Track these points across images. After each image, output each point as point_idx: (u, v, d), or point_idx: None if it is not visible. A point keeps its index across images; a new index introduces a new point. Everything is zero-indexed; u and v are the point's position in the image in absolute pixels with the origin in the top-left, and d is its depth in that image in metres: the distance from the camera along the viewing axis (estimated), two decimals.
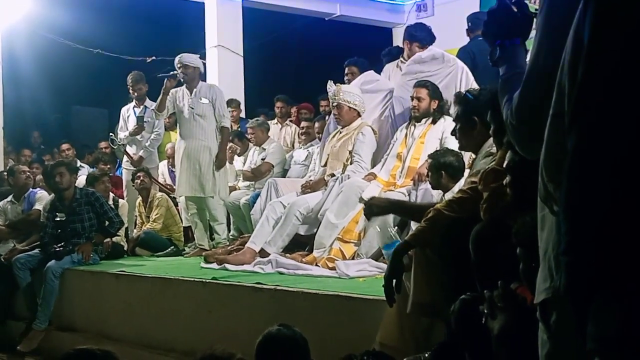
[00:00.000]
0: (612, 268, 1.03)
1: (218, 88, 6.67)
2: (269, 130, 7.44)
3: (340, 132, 5.71)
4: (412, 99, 5.21)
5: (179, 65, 6.43)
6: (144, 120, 7.37)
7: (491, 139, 3.16)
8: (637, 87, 1.04)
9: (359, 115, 5.66)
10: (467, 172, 3.79)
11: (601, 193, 1.06)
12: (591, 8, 1.12)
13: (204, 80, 6.56)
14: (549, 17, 1.39)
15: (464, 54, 5.92)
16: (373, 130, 5.63)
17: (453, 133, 3.46)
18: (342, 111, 5.63)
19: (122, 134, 7.53)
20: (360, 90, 5.74)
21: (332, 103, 5.75)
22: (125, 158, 7.55)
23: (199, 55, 6.83)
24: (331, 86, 5.70)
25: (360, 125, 5.61)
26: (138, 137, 7.43)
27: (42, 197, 6.60)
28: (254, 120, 7.36)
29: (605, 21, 1.09)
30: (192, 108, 6.37)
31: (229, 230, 6.66)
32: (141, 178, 6.95)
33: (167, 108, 6.52)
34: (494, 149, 3.11)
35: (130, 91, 7.46)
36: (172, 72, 6.46)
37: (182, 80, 6.43)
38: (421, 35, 5.93)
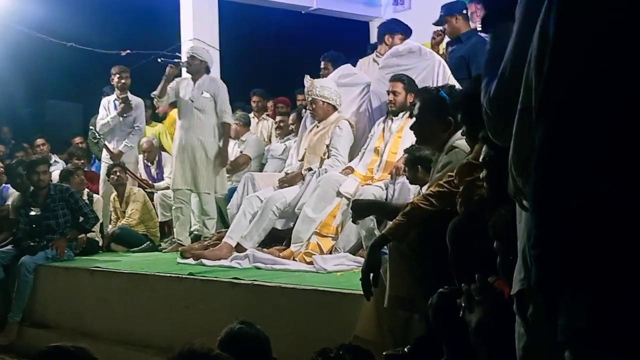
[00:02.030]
0: (580, 261, 1.04)
1: (222, 83, 6.51)
2: (249, 124, 7.40)
3: (318, 126, 5.69)
4: (389, 93, 5.21)
5: (187, 54, 6.43)
6: (124, 115, 7.27)
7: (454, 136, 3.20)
8: (601, 81, 1.05)
9: (334, 109, 5.65)
10: None
11: (567, 186, 1.06)
12: (555, 3, 1.12)
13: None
14: (528, 8, 1.39)
15: (474, 49, 5.42)
16: (350, 124, 5.62)
17: (412, 128, 3.45)
18: (316, 106, 5.62)
19: (102, 122, 7.39)
20: (335, 84, 5.74)
21: (307, 98, 5.74)
22: (104, 152, 7.43)
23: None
24: (307, 81, 5.69)
25: (337, 119, 5.60)
26: (118, 127, 7.31)
27: (15, 192, 6.50)
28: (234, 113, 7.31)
29: (569, 16, 1.10)
30: (192, 101, 6.28)
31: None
32: (117, 173, 6.87)
33: (167, 95, 6.41)
34: (457, 142, 3.13)
35: (116, 79, 7.30)
36: (175, 59, 6.40)
37: (185, 69, 6.41)
38: (401, 28, 5.94)
